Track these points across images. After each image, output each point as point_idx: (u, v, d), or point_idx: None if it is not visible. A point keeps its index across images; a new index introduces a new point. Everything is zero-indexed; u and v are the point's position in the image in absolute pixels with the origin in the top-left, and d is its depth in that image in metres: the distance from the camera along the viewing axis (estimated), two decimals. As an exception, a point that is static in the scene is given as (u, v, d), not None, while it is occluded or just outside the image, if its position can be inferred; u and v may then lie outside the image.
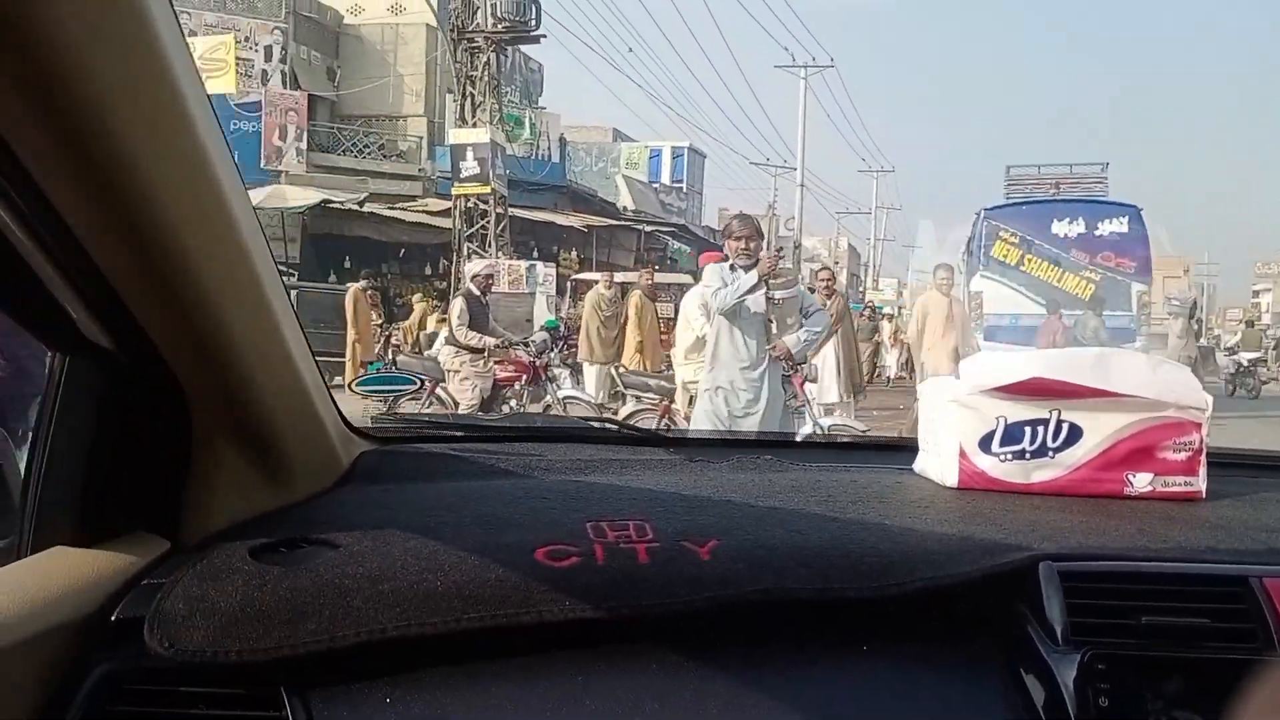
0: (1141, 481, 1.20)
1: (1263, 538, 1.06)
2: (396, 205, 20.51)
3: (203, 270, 0.81)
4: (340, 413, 1.19)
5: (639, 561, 0.94)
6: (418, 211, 20.32)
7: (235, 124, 18.65)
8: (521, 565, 0.92)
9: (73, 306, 0.83)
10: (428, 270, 20.90)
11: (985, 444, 1.20)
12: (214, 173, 0.78)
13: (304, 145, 20.50)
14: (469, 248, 17.97)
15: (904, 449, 1.38)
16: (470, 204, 18.26)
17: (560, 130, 26.13)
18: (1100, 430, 1.19)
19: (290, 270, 16.78)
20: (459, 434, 1.52)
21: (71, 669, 0.83)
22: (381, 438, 1.34)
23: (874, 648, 0.92)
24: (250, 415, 0.97)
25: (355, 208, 19.04)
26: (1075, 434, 1.19)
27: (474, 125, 18.02)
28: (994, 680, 0.90)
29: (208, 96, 0.79)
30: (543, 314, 15.14)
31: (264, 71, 21.00)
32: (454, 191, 18.32)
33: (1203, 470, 1.22)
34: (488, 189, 17.87)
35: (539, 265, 17.94)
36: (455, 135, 18.39)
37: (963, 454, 1.21)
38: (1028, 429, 1.19)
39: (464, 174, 17.87)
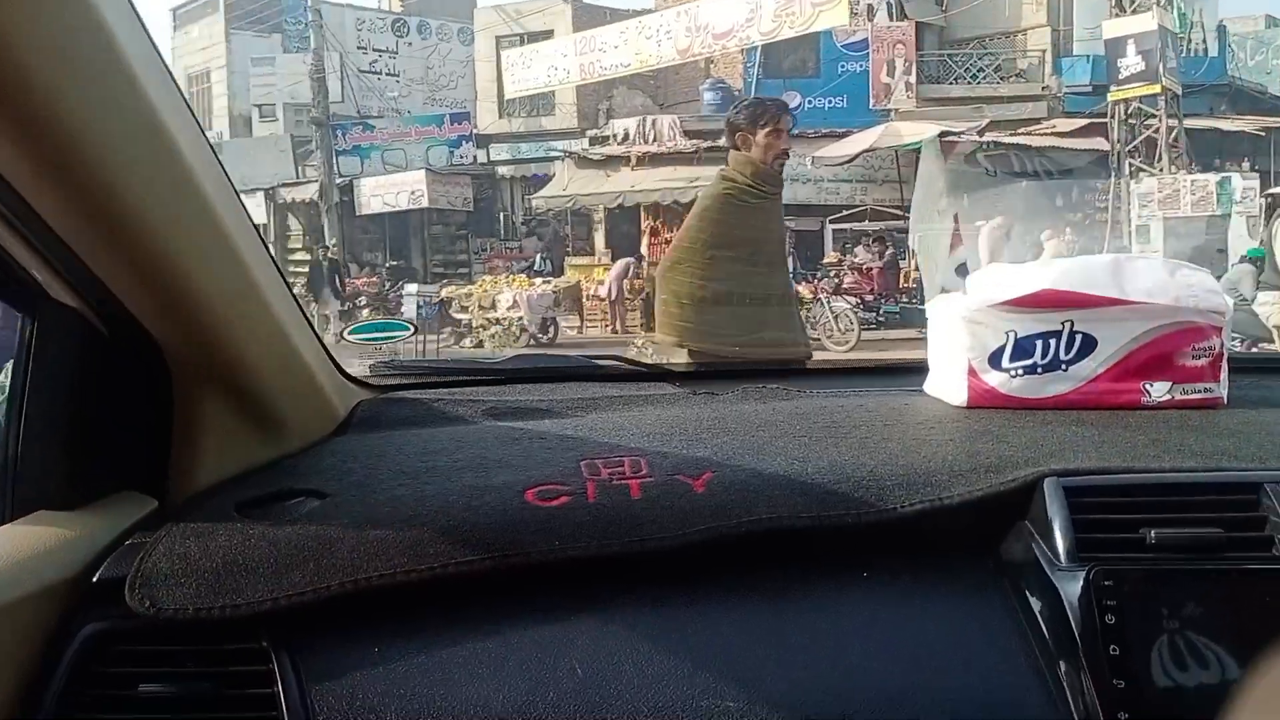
0: (1159, 390, 1.17)
1: None
2: (1019, 131, 17.61)
3: (160, 226, 0.81)
4: (335, 361, 1.20)
5: (631, 497, 0.94)
6: (1045, 135, 17.32)
7: (843, 66, 17.67)
8: (511, 507, 0.92)
9: (35, 268, 0.84)
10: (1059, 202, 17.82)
11: (995, 360, 1.17)
12: (166, 127, 0.78)
13: (913, 78, 18.63)
14: (1132, 164, 14.56)
15: (916, 370, 1.34)
16: (1131, 110, 14.80)
17: (1218, 18, 20.83)
18: (1115, 340, 1.16)
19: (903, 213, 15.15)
20: (460, 378, 1.53)
21: (58, 631, 0.83)
22: (379, 385, 1.36)
23: (875, 573, 0.91)
24: (232, 370, 0.97)
25: (975, 139, 16.61)
26: (1089, 345, 1.16)
27: (1133, 11, 14.51)
28: (998, 602, 0.89)
29: (155, 49, 0.80)
30: (1242, 241, 11.86)
31: (869, 6, 19.54)
32: (1112, 97, 15.04)
33: (1224, 375, 1.19)
34: (1156, 88, 14.31)
35: (1235, 178, 13.88)
36: (1110, 27, 15.09)
37: (972, 371, 1.18)
38: (1039, 342, 1.16)
39: (1123, 74, 14.53)
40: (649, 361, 1.79)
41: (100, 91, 0.72)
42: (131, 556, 0.86)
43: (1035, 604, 0.87)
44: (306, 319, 1.09)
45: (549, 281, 15.52)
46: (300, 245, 22.91)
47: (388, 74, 24.04)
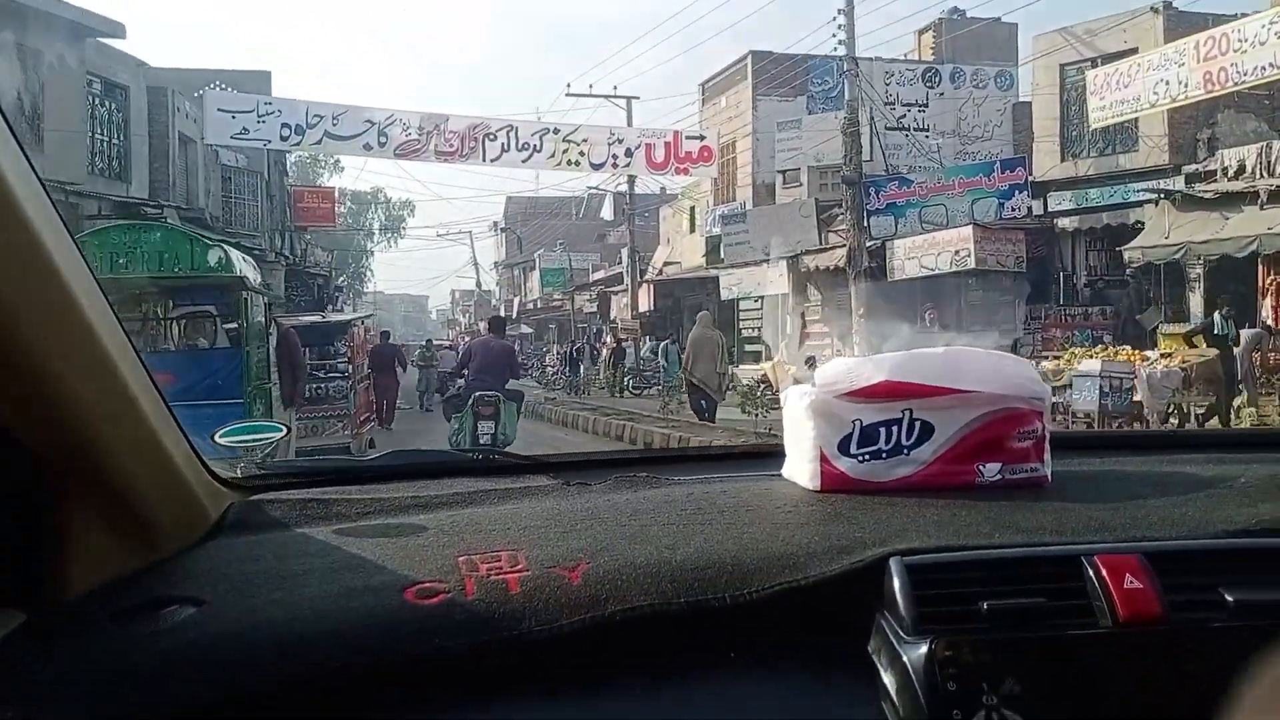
0: (991, 471, 1.24)
1: (1097, 516, 1.10)
2: None
3: (24, 324, 0.80)
4: (205, 464, 1.19)
5: (509, 591, 0.96)
6: None
7: None
8: (390, 606, 0.93)
9: None
10: None
11: (844, 446, 1.25)
12: (29, 222, 0.78)
13: None
14: None
15: (777, 454, 1.40)
16: None
17: None
18: (950, 425, 1.24)
19: None
20: (332, 477, 1.50)
21: None
22: (250, 486, 1.33)
23: (741, 653, 0.95)
24: (104, 479, 0.96)
25: None
26: (928, 430, 1.24)
27: None
28: (853, 675, 0.93)
29: (9, 127, 0.79)
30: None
31: None
32: None
33: (1047, 455, 1.26)
34: None
35: None
36: None
37: (823, 458, 1.26)
38: (883, 429, 1.24)
39: None
40: (521, 454, 1.72)
41: None
42: (5, 673, 0.85)
43: (886, 675, 0.91)
44: (176, 421, 1.08)
45: (1168, 355, 11.50)
46: (818, 317, 21.07)
47: (916, 129, 21.70)
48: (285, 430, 1.74)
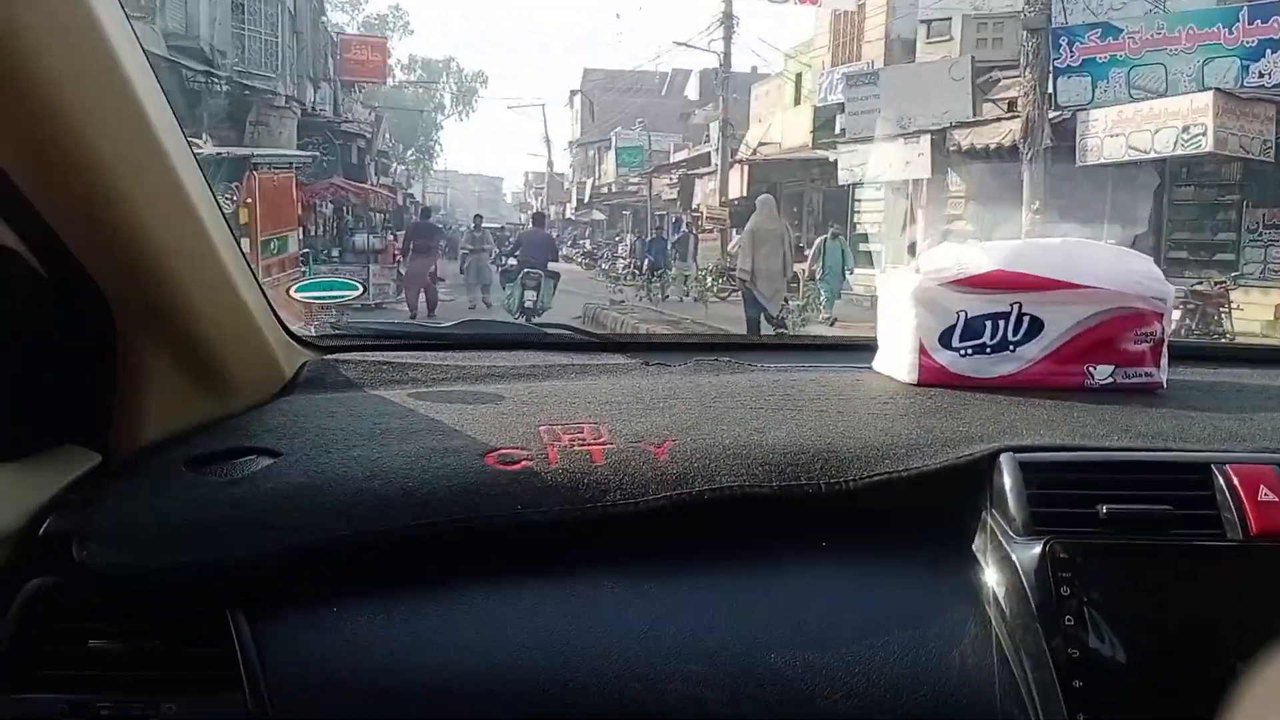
0: (1103, 373, 1.18)
1: (1223, 425, 1.06)
2: None
3: (114, 171, 0.80)
4: (281, 321, 1.18)
5: (593, 463, 0.94)
6: None
7: None
8: (471, 469, 0.92)
9: None
10: None
11: (945, 339, 1.20)
12: (121, 65, 0.77)
13: None
14: None
15: (865, 348, 1.36)
16: None
17: None
18: (1062, 323, 1.18)
19: None
20: (408, 341, 1.49)
21: (2, 584, 0.81)
22: (326, 346, 1.33)
23: (834, 544, 0.92)
24: (179, 323, 0.95)
25: None
26: (1036, 327, 1.18)
27: None
28: (955, 573, 0.90)
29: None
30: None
31: None
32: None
33: (1164, 361, 1.20)
34: None
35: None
36: None
37: (923, 350, 1.21)
38: (988, 323, 1.19)
39: None
40: (600, 331, 1.67)
41: (52, 16, 0.70)
42: (78, 511, 0.85)
43: (992, 575, 0.88)
44: (253, 273, 1.07)
45: None
46: (959, 211, 16.27)
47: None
48: (360, 289, 1.68)
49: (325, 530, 0.84)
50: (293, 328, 1.24)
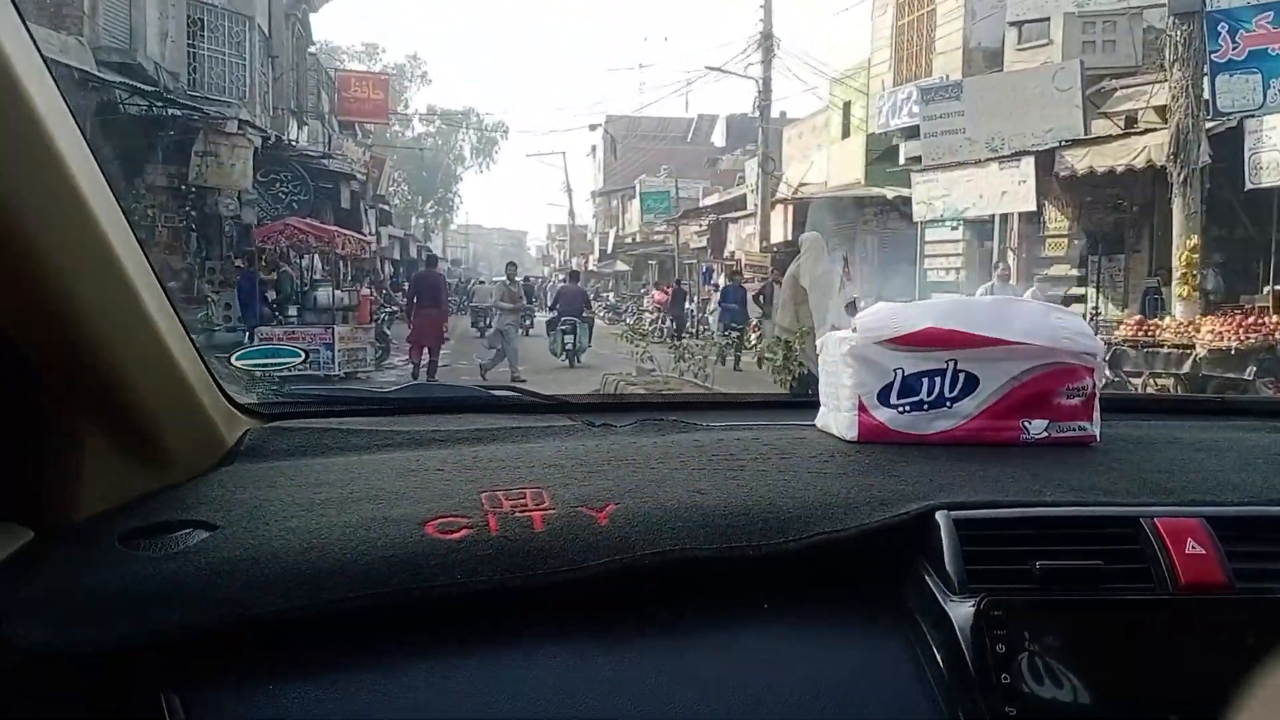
0: (1037, 428, 1.19)
1: (1154, 478, 1.07)
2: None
3: (32, 222, 0.77)
4: (222, 389, 1.16)
5: (535, 529, 0.93)
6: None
7: None
8: (410, 539, 0.90)
9: None
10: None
11: (884, 396, 1.21)
12: (40, 120, 0.75)
13: None
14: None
15: (809, 405, 1.36)
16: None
17: None
18: (995, 378, 1.19)
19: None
20: (351, 407, 1.49)
21: None
22: (268, 414, 1.31)
23: (776, 604, 0.92)
24: (112, 395, 0.93)
25: None
26: (972, 383, 1.19)
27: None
28: (894, 631, 0.90)
29: (30, 34, 0.75)
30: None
31: None
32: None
33: (1096, 415, 1.21)
34: None
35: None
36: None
37: (862, 407, 1.21)
38: (925, 380, 1.19)
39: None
40: (543, 393, 1.64)
41: None
42: (5, 585, 0.83)
43: (929, 633, 0.88)
44: (191, 340, 1.05)
45: None
46: (1061, 253, 13.14)
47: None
48: (303, 356, 1.79)
49: (261, 605, 0.81)
50: (236, 396, 1.22)
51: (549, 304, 16.55)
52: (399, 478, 1.05)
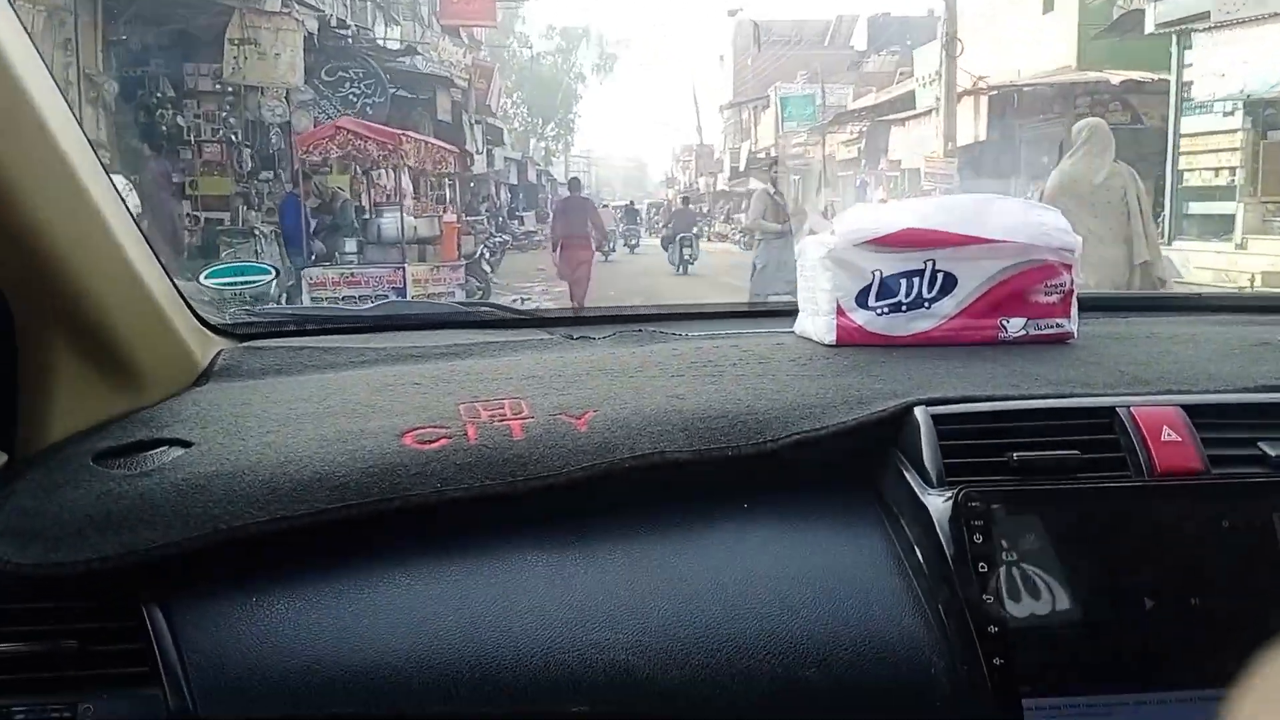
0: (1015, 326, 1.19)
1: (1130, 370, 1.07)
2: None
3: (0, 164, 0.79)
4: (194, 310, 1.16)
5: (513, 438, 0.93)
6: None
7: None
8: (388, 450, 0.90)
9: None
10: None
11: (861, 299, 1.20)
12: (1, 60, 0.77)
13: None
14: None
15: (787, 313, 1.36)
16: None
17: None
18: (974, 277, 1.18)
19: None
20: (326, 326, 1.46)
21: None
22: (242, 334, 1.31)
23: (755, 505, 0.93)
24: (82, 317, 0.93)
25: None
26: (950, 283, 1.18)
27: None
28: (873, 527, 0.91)
29: None
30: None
31: None
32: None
33: (1074, 311, 1.20)
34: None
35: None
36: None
37: (840, 310, 1.21)
38: (903, 281, 1.19)
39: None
40: (520, 307, 1.66)
41: None
42: None
43: (908, 528, 0.90)
44: (160, 263, 1.05)
45: None
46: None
47: None
48: (274, 272, 1.60)
49: (239, 518, 0.82)
50: (208, 317, 1.22)
51: (662, 224, 19.06)
52: (375, 392, 1.05)
